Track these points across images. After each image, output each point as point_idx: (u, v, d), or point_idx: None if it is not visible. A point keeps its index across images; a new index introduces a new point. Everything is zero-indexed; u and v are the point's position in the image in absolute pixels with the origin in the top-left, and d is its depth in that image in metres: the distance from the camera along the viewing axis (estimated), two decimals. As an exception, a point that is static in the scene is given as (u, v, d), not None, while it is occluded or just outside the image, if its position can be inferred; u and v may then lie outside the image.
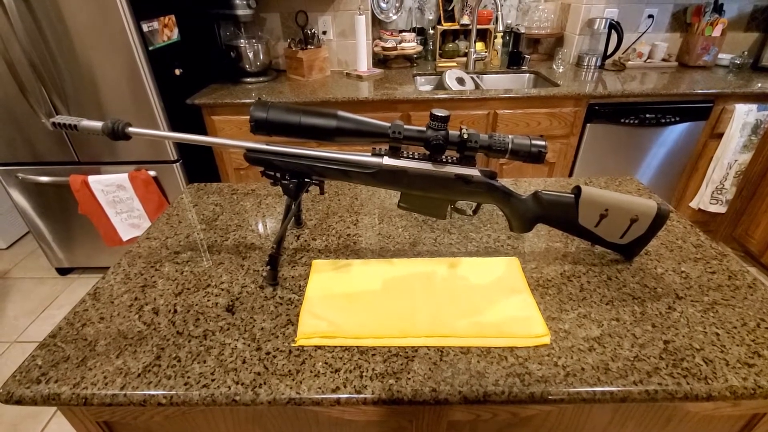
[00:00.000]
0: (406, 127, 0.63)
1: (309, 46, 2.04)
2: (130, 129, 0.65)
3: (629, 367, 0.56)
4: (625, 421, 0.64)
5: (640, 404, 0.61)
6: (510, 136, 0.63)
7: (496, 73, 2.21)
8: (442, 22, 2.21)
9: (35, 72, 1.51)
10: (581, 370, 0.56)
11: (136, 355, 0.59)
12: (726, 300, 0.67)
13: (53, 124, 0.66)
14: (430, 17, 2.29)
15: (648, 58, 2.18)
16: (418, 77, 2.16)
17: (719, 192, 2.02)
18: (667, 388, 0.53)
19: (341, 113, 0.63)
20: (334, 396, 0.54)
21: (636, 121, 1.84)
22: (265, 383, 0.55)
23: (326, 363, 0.58)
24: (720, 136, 1.90)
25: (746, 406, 0.61)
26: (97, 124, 0.65)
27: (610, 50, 2.11)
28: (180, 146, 1.76)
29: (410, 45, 2.17)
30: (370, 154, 0.68)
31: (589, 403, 0.54)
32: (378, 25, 2.29)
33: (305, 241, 0.85)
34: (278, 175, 0.69)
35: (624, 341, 0.60)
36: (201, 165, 1.93)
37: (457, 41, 2.28)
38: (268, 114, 0.62)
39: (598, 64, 2.14)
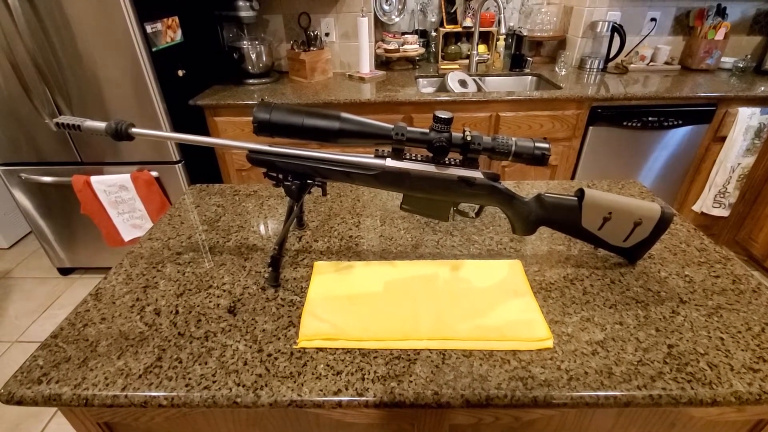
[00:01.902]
0: (409, 128, 0.63)
1: (311, 48, 2.04)
2: (133, 129, 0.65)
3: (633, 371, 0.56)
4: (629, 426, 0.64)
5: (644, 409, 0.61)
6: (513, 139, 0.63)
7: (499, 75, 2.21)
8: (445, 24, 2.22)
9: (39, 72, 1.52)
10: (584, 374, 0.55)
11: (138, 356, 0.59)
12: (730, 304, 0.67)
13: (57, 124, 0.66)
14: (433, 19, 2.29)
15: (650, 61, 2.17)
16: (421, 79, 2.16)
17: (722, 195, 2.01)
18: (671, 393, 0.53)
19: (344, 115, 0.63)
20: (336, 398, 0.53)
21: (639, 124, 1.84)
22: (266, 385, 0.55)
23: (328, 365, 0.57)
24: (723, 139, 1.89)
25: (751, 411, 0.61)
26: (101, 125, 0.65)
27: (612, 53, 2.11)
28: (182, 147, 1.76)
29: (413, 47, 2.17)
30: (372, 155, 0.68)
31: (593, 407, 0.54)
32: (380, 27, 2.29)
33: (307, 242, 0.84)
34: (281, 176, 0.68)
35: (627, 345, 0.60)
36: (203, 166, 1.93)
37: (459, 43, 2.29)
38: (270, 115, 0.62)
39: (601, 66, 2.14)
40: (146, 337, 0.62)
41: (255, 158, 0.67)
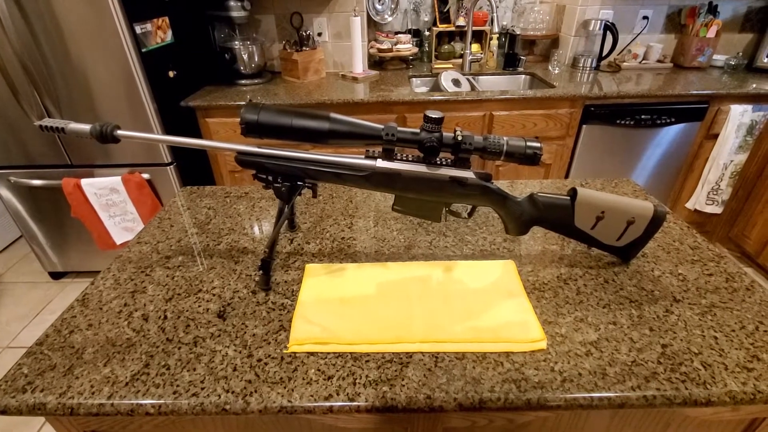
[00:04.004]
0: (399, 129, 0.62)
1: (304, 48, 2.03)
2: (119, 132, 0.63)
3: (627, 372, 0.55)
4: (623, 427, 0.63)
5: (638, 410, 0.60)
6: (505, 138, 0.63)
7: (492, 74, 2.20)
8: (438, 23, 2.21)
9: (27, 74, 1.49)
10: (578, 375, 0.55)
11: (125, 363, 0.58)
12: (724, 303, 0.67)
13: (41, 127, 0.64)
14: (426, 19, 2.29)
15: (643, 59, 2.18)
16: (414, 79, 2.15)
17: (715, 193, 2.02)
18: (666, 394, 0.53)
19: (333, 115, 0.62)
20: (327, 404, 0.53)
21: (632, 122, 1.84)
22: (256, 391, 0.54)
23: (319, 370, 0.56)
24: (715, 136, 1.90)
25: (746, 410, 0.61)
26: (85, 127, 0.63)
27: (605, 51, 2.11)
28: (174, 149, 1.75)
29: (406, 47, 2.16)
30: (363, 156, 0.67)
31: (587, 409, 0.54)
32: (373, 26, 2.28)
33: (299, 244, 0.83)
34: (270, 178, 0.67)
35: (621, 345, 0.59)
36: (195, 167, 1.91)
37: (452, 43, 2.28)
38: (259, 116, 0.61)
39: (594, 65, 2.14)
40: (134, 344, 0.61)
41: (243, 160, 0.66)
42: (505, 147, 0.62)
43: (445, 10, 2.21)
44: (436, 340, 0.60)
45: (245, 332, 0.62)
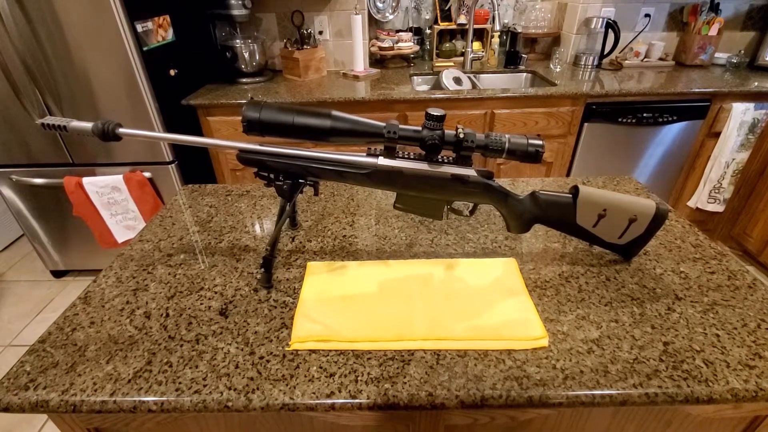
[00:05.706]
0: (401, 126, 0.62)
1: (305, 46, 2.02)
2: (121, 130, 0.64)
3: (629, 369, 0.55)
4: (625, 424, 0.63)
5: (640, 407, 0.60)
6: (507, 136, 0.63)
7: (494, 72, 2.20)
8: (439, 21, 2.21)
9: (28, 73, 1.50)
10: (580, 372, 0.55)
11: (127, 360, 0.58)
12: (726, 300, 0.67)
13: (42, 125, 0.64)
14: (427, 17, 2.28)
15: (645, 57, 2.17)
16: (415, 77, 2.15)
17: (717, 191, 2.02)
18: (668, 391, 0.53)
19: (335, 113, 0.62)
20: (329, 401, 0.53)
21: (633, 121, 1.84)
22: (258, 388, 0.54)
23: (321, 367, 0.57)
24: (717, 135, 1.89)
25: (747, 408, 0.61)
26: (87, 125, 0.64)
27: (607, 49, 2.11)
28: (175, 147, 1.75)
29: (407, 45, 2.16)
30: (365, 154, 0.67)
31: (588, 406, 0.53)
32: (374, 24, 2.28)
33: (300, 242, 0.83)
34: (272, 176, 0.67)
35: (623, 343, 0.59)
36: (197, 166, 1.91)
37: (454, 41, 2.28)
38: (260, 114, 0.61)
39: (595, 63, 2.14)
40: (136, 341, 0.61)
41: (245, 158, 0.66)
42: (507, 144, 0.62)
43: (447, 8, 2.20)
44: (437, 338, 0.60)
45: (247, 330, 0.63)
